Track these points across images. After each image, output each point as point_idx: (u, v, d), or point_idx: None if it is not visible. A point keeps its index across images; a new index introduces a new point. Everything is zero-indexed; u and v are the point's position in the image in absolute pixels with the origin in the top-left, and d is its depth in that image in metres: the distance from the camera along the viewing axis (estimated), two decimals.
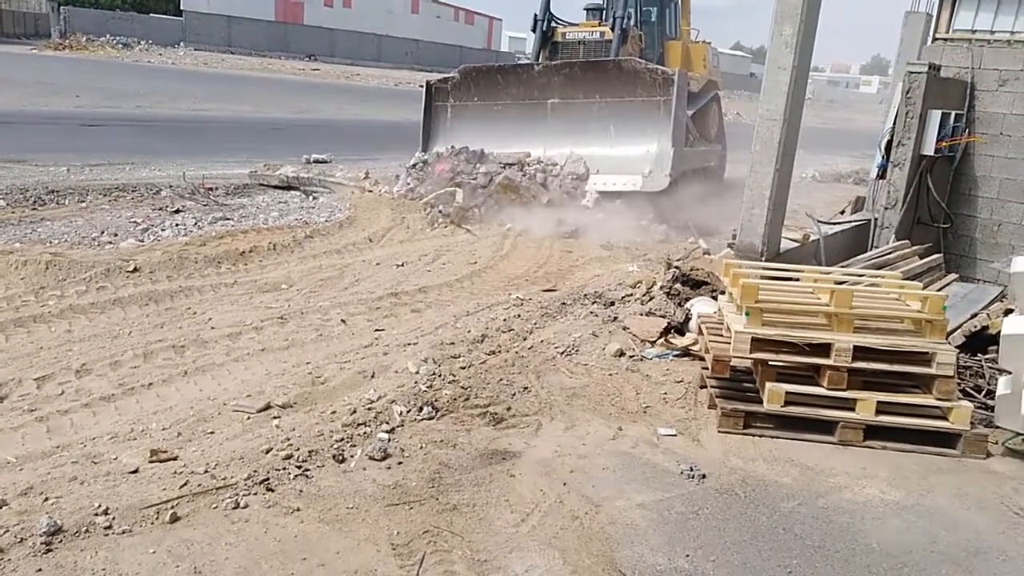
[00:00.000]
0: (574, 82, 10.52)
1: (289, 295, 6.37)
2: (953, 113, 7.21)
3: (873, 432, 4.15)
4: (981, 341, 5.17)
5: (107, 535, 2.91)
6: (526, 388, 4.60)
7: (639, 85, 10.08)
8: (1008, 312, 4.89)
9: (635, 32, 11.87)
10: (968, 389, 4.66)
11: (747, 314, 4.26)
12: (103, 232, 7.68)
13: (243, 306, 6.00)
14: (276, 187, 11.08)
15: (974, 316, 5.41)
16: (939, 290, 6.09)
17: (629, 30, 11.56)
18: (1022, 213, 7.30)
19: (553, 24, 12.26)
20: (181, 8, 50.72)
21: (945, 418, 4.14)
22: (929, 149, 7.08)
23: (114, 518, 3.00)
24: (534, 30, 12.26)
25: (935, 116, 6.99)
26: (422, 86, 11.89)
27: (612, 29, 11.46)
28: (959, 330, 5.18)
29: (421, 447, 3.80)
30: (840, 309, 4.18)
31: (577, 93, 10.51)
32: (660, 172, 9.67)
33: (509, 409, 4.30)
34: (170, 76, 30.37)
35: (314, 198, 10.62)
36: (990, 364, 4.85)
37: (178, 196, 9.57)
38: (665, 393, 4.70)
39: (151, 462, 3.45)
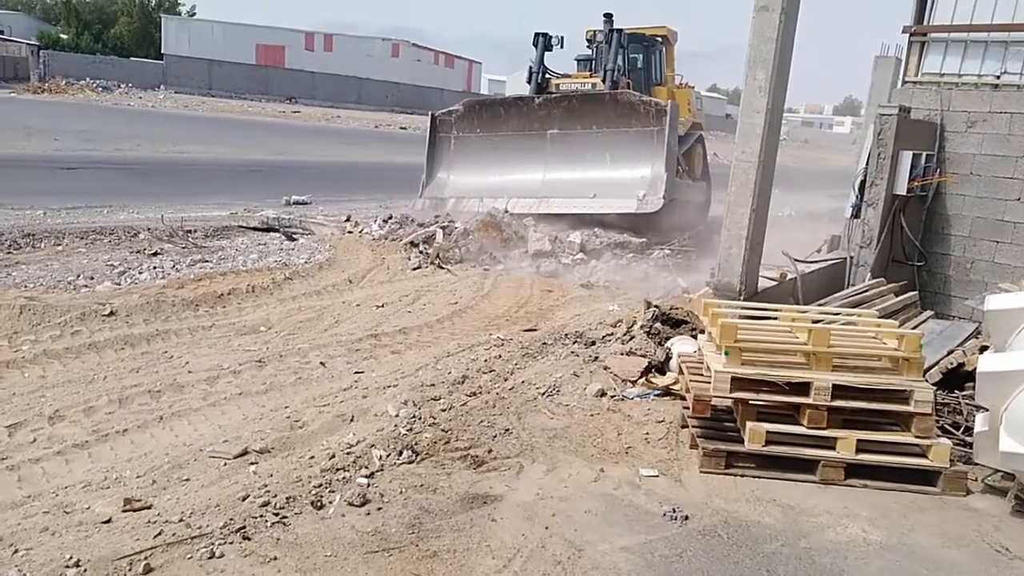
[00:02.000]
0: (572, 114, 11.11)
1: (268, 338, 6.32)
2: (924, 154, 7.37)
3: (854, 470, 4.15)
4: (958, 378, 5.22)
5: None
6: (507, 430, 4.57)
7: (634, 116, 10.65)
8: (983, 349, 4.95)
9: (623, 80, 12.38)
10: (946, 426, 4.68)
11: (726, 354, 4.27)
12: (79, 276, 7.61)
13: (221, 349, 5.95)
14: (256, 229, 11.06)
15: (950, 353, 5.46)
16: (915, 327, 6.17)
17: (619, 80, 12.14)
18: (994, 251, 7.43)
19: (547, 76, 12.89)
20: (162, 52, 51.07)
21: (924, 455, 4.15)
22: (901, 189, 7.22)
23: (85, 570, 2.93)
24: (529, 82, 12.93)
25: (906, 157, 7.14)
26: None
27: (603, 80, 12.10)
28: (936, 367, 5.23)
29: (401, 492, 3.75)
30: (818, 348, 4.20)
31: (575, 124, 11.14)
32: (654, 195, 10.18)
33: (490, 451, 4.26)
34: (150, 119, 30.43)
35: (294, 240, 10.61)
36: (967, 401, 4.89)
37: (156, 239, 9.51)
38: (647, 433, 4.68)
39: (124, 511, 3.38)
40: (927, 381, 4.41)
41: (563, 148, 11.19)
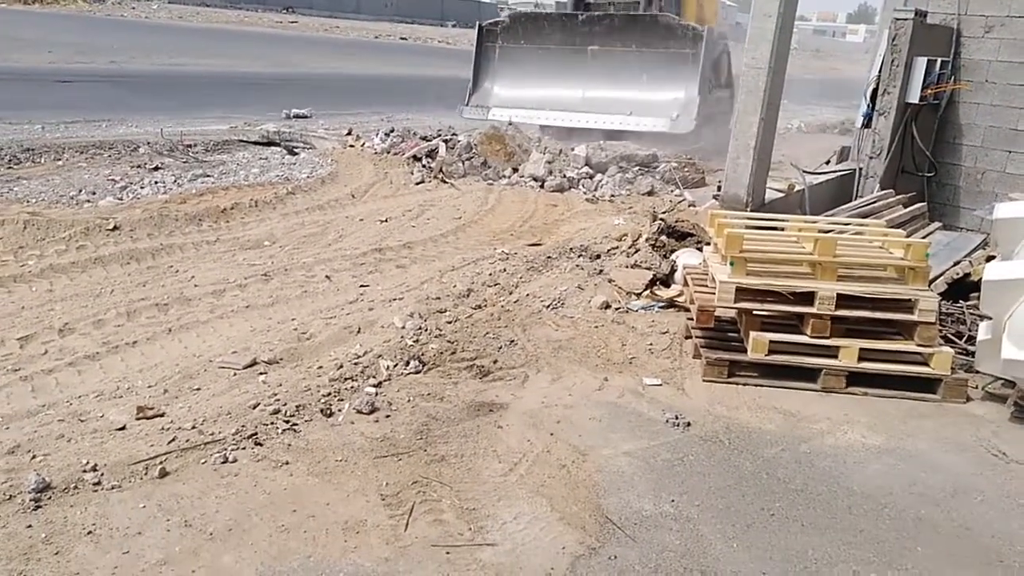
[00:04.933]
0: (613, 32, 11.63)
1: (272, 252, 6.32)
2: (939, 60, 7.17)
3: (855, 379, 4.20)
4: (964, 288, 5.22)
5: (96, 491, 2.92)
6: (512, 341, 4.61)
7: (671, 38, 11.20)
8: (990, 259, 4.93)
9: None
10: (950, 335, 4.71)
11: (731, 264, 4.27)
12: (81, 191, 7.55)
13: (226, 263, 5.95)
14: (256, 143, 10.90)
15: (957, 264, 5.45)
16: (923, 238, 6.13)
17: None
18: (1005, 161, 7.31)
19: None
20: None
21: (926, 364, 4.19)
22: (914, 97, 7.04)
23: (103, 474, 3.00)
24: None
25: (921, 63, 6.94)
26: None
27: None
28: (942, 277, 5.23)
29: (408, 400, 3.81)
30: (824, 258, 4.19)
31: (615, 42, 11.64)
32: (687, 116, 10.79)
33: (496, 362, 4.31)
34: (144, 30, 29.67)
35: (295, 154, 10.48)
36: (972, 310, 4.90)
37: (156, 153, 9.40)
38: (651, 344, 4.72)
39: (138, 419, 3.45)
40: (932, 291, 4.41)
41: (602, 65, 11.63)
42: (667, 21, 11.34)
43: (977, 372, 4.29)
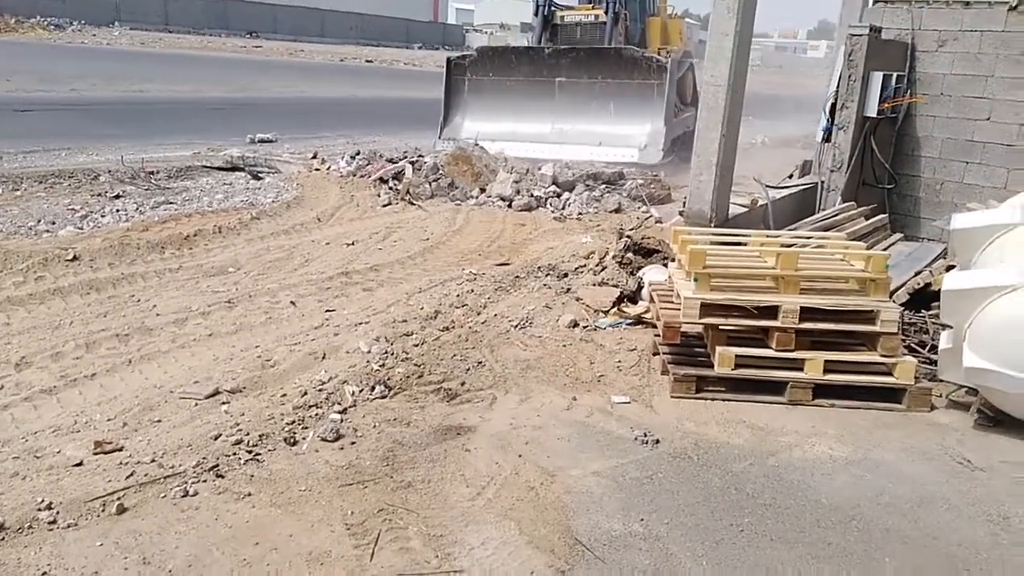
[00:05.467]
0: (579, 64, 11.92)
1: (237, 278, 6.24)
2: (895, 75, 7.31)
3: (822, 391, 4.23)
4: (925, 298, 5.28)
5: (51, 530, 2.83)
6: (480, 363, 4.58)
7: (636, 70, 11.54)
8: (950, 268, 5.00)
9: (623, 12, 13.49)
10: (913, 345, 4.76)
11: (695, 280, 4.29)
12: (39, 220, 7.41)
13: (189, 291, 5.86)
14: (220, 168, 10.80)
15: (918, 274, 5.52)
16: (884, 249, 6.21)
17: (620, 12, 13.33)
18: (963, 171, 7.46)
19: (552, 8, 14.01)
20: None
21: (890, 374, 4.23)
22: (872, 111, 7.18)
23: (58, 512, 2.92)
24: (536, 14, 14.07)
25: (877, 78, 7.08)
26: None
27: (606, 12, 13.31)
28: (903, 288, 5.29)
29: (374, 426, 3.76)
30: (786, 271, 4.22)
31: (582, 74, 11.94)
32: (654, 147, 11.20)
33: (463, 384, 4.28)
34: (106, 57, 29.41)
35: (260, 179, 10.40)
36: (933, 320, 4.96)
37: (118, 181, 9.27)
38: (619, 361, 4.72)
39: (96, 454, 3.36)
40: (893, 301, 4.46)
41: (570, 97, 11.97)
42: (631, 54, 11.69)
43: (940, 381, 4.34)
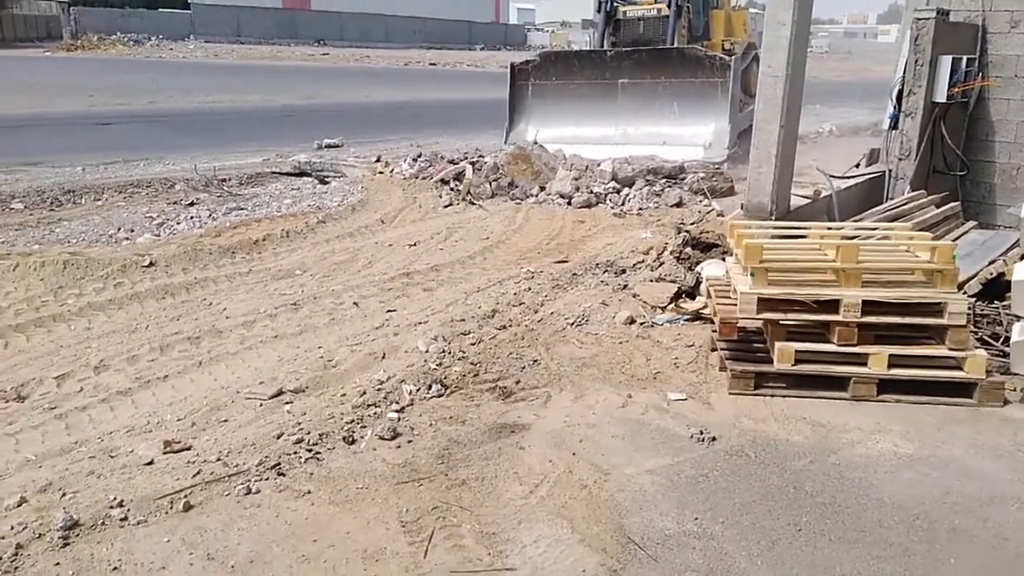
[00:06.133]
0: (642, 65, 11.76)
1: (303, 281, 6.42)
2: (965, 58, 7.03)
3: (887, 386, 4.10)
4: (999, 288, 5.07)
5: (122, 526, 2.97)
6: (535, 361, 4.60)
7: (699, 68, 11.32)
8: (1023, 258, 4.80)
9: (686, 4, 13.21)
10: (985, 337, 4.58)
11: (752, 274, 4.22)
12: (119, 229, 7.77)
13: (257, 294, 6.06)
14: (288, 174, 11.13)
15: (991, 263, 5.31)
16: (956, 238, 6.00)
17: (683, 6, 13.08)
18: None
19: (614, 3, 13.90)
20: (189, 1, 50.82)
21: (960, 368, 4.08)
22: (941, 96, 6.93)
23: (129, 509, 3.06)
24: (598, 11, 14.03)
25: (946, 62, 6.83)
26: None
27: (668, 6, 13.09)
28: (975, 278, 5.09)
29: (430, 424, 3.83)
30: (846, 264, 4.12)
31: (644, 74, 11.72)
32: (719, 145, 10.97)
33: (518, 383, 4.31)
34: (181, 70, 30.53)
35: (326, 183, 10.66)
36: (1007, 311, 4.76)
37: (192, 189, 9.64)
38: (676, 358, 4.68)
39: (165, 453, 3.51)
40: (964, 292, 4.30)
41: (633, 98, 11.78)
42: (694, 53, 11.49)
43: (1014, 374, 4.17)
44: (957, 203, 6.97)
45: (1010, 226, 7.16)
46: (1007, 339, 4.52)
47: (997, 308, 4.89)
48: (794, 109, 5.77)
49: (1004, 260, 5.15)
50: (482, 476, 3.38)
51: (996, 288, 5.10)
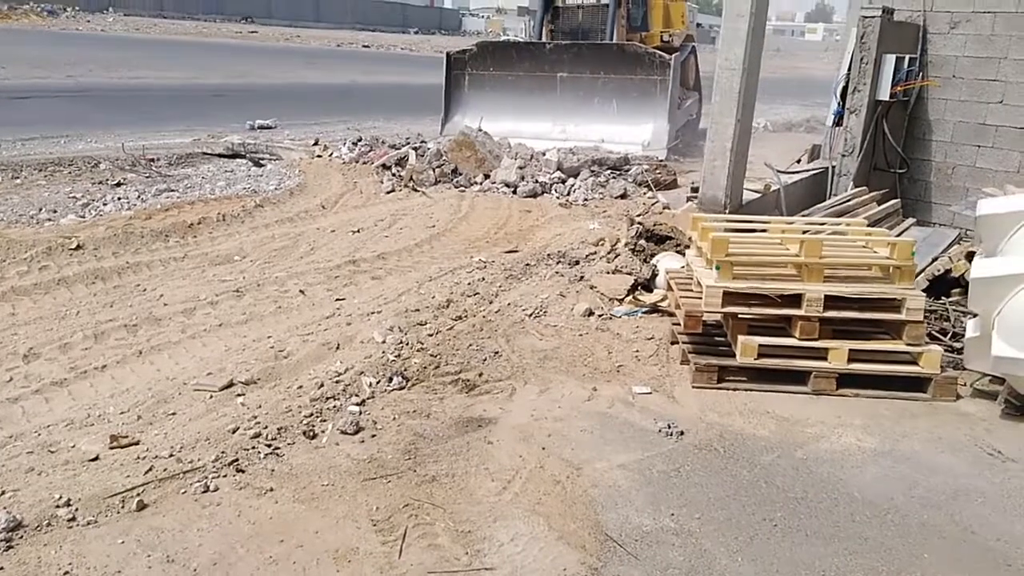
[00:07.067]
0: (581, 59, 11.69)
1: (243, 267, 6.15)
2: (907, 57, 7.21)
3: (846, 380, 4.16)
4: (944, 284, 5.22)
5: (71, 527, 2.75)
6: (496, 353, 4.50)
7: (639, 66, 11.29)
8: (970, 255, 4.93)
9: None
10: (935, 333, 4.69)
11: (717, 268, 4.21)
12: (41, 209, 7.30)
13: (195, 280, 5.78)
14: (221, 155, 10.69)
15: (936, 260, 5.45)
16: (898, 235, 6.14)
17: None
18: (975, 155, 7.38)
19: None
20: None
21: (915, 363, 4.17)
22: (884, 94, 7.09)
23: (77, 509, 2.84)
24: None
25: (890, 60, 6.98)
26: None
27: None
28: (922, 274, 5.21)
29: (394, 418, 3.69)
30: (810, 259, 4.15)
31: (584, 69, 11.64)
32: (658, 144, 11.04)
33: (481, 375, 4.20)
34: (101, 43, 29.16)
35: (261, 166, 10.28)
36: (955, 307, 4.90)
37: (118, 168, 9.16)
38: (637, 351, 4.65)
39: (111, 448, 3.28)
40: (918, 289, 4.38)
41: (572, 92, 11.73)
42: (633, 50, 11.48)
43: (965, 369, 4.28)
44: (897, 200, 7.16)
45: (945, 223, 7.41)
46: (955, 334, 4.64)
47: (944, 304, 5.02)
48: (749, 103, 5.81)
49: (949, 257, 5.29)
50: (452, 472, 3.27)
51: (941, 284, 5.24)
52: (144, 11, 47.18)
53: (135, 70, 20.70)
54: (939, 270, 5.16)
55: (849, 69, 7.21)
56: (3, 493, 2.93)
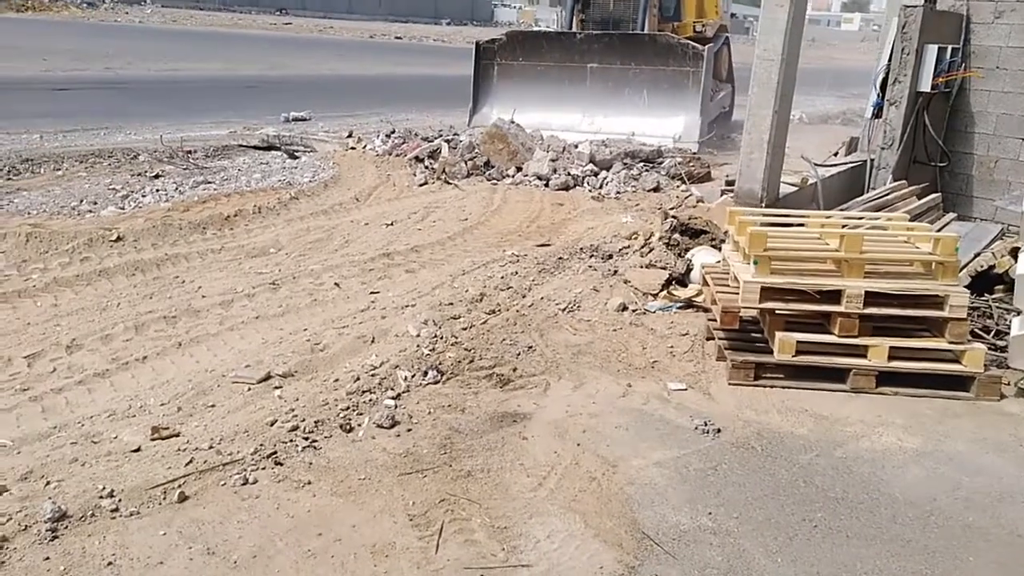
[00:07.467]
0: (612, 50, 11.45)
1: (279, 259, 6.21)
2: (949, 47, 7.05)
3: (886, 378, 4.09)
4: (987, 280, 5.11)
5: (114, 518, 2.80)
6: (530, 347, 4.50)
7: (671, 57, 11.08)
8: (1015, 251, 4.83)
9: None
10: (977, 330, 4.60)
11: (755, 263, 4.16)
12: (82, 200, 7.44)
13: (232, 272, 5.84)
14: (256, 148, 10.79)
15: (978, 255, 5.34)
16: (939, 230, 6.02)
17: None
18: (1019, 148, 7.20)
19: None
20: None
21: (958, 361, 4.09)
22: (926, 86, 6.93)
23: (120, 500, 2.89)
24: None
25: (931, 51, 6.82)
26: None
27: None
28: (964, 270, 5.11)
29: (429, 412, 3.71)
30: (850, 254, 4.08)
31: (614, 59, 11.43)
32: (689, 137, 10.83)
33: (515, 370, 4.20)
34: (138, 35, 29.55)
35: (296, 158, 10.37)
36: (999, 304, 4.79)
37: (157, 160, 9.29)
38: (671, 347, 4.62)
39: (153, 439, 3.34)
40: (961, 286, 4.30)
41: (602, 83, 11.54)
42: (665, 40, 11.25)
43: (1009, 368, 4.19)
44: (938, 194, 7.01)
45: (987, 218, 7.25)
46: (998, 332, 4.55)
47: (987, 301, 4.91)
48: (787, 95, 5.72)
49: (993, 253, 5.18)
50: (487, 467, 3.27)
51: (984, 280, 5.14)
52: (181, 2, 47.72)
53: (172, 62, 20.95)
54: (982, 266, 5.06)
55: (889, 60, 7.06)
56: (48, 483, 2.99)
